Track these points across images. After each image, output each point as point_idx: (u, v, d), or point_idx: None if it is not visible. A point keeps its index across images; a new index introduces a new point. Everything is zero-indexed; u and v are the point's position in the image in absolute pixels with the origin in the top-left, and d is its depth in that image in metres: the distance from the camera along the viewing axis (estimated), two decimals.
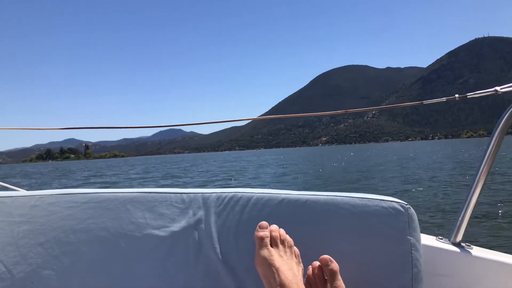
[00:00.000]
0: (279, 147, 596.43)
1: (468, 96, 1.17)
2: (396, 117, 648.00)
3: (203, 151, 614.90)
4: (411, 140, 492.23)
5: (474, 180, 1.14)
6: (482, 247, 1.20)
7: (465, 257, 1.15)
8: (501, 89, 1.08)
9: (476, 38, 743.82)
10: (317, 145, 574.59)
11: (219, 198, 1.15)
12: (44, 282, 1.09)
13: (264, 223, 0.97)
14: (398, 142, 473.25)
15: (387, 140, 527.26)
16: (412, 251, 0.98)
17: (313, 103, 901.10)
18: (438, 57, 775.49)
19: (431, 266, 1.17)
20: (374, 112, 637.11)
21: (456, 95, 1.19)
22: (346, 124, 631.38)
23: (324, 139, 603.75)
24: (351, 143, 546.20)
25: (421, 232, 1.13)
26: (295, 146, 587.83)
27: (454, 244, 1.20)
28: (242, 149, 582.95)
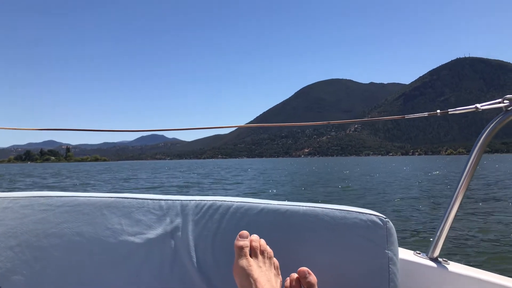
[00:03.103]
0: (262, 156, 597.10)
1: (449, 112, 1.19)
2: (377, 131, 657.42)
3: (185, 158, 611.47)
4: (391, 155, 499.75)
5: (453, 196, 1.16)
6: (459, 263, 1.21)
7: (441, 272, 1.16)
8: (481, 106, 1.11)
9: (457, 58, 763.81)
10: (299, 156, 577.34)
11: (198, 206, 1.13)
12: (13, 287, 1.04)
13: (244, 232, 0.96)
14: (379, 156, 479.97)
15: (368, 154, 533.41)
16: (390, 265, 0.98)
17: (297, 115, 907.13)
18: (421, 75, 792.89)
19: (408, 280, 1.17)
20: (356, 126, 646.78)
21: (438, 111, 1.22)
22: (329, 136, 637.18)
23: (306, 150, 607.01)
24: (332, 156, 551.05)
25: (399, 246, 1.13)
26: (278, 157, 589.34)
27: (431, 259, 1.21)
28: (225, 158, 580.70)
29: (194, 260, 1.05)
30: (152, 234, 1.09)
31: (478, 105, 1.12)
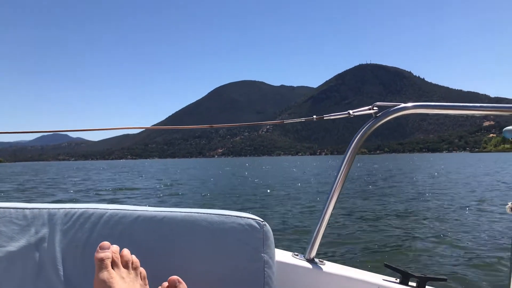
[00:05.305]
0: (174, 157, 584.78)
1: (324, 118, 1.27)
2: (288, 132, 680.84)
3: (92, 159, 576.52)
4: (301, 155, 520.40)
5: (328, 198, 1.21)
6: (335, 262, 1.27)
7: (316, 273, 1.20)
8: (353, 112, 1.22)
9: (360, 64, 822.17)
10: (213, 156, 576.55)
11: (68, 215, 1.05)
12: None
13: (105, 243, 0.88)
14: (289, 156, 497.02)
15: (279, 154, 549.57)
16: (265, 269, 0.98)
17: (210, 115, 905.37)
18: (327, 79, 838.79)
19: (284, 282, 1.18)
20: (268, 126, 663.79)
21: (314, 116, 1.29)
22: (242, 137, 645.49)
23: (220, 150, 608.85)
24: (246, 156, 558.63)
25: (281, 248, 1.19)
26: (191, 157, 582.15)
27: (308, 260, 1.25)
28: (135, 158, 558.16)
29: (61, 273, 0.97)
30: (13, 246, 0.98)
31: (351, 111, 1.21)
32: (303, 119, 1.29)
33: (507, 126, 1.09)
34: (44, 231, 1.02)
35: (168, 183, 21.77)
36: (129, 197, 15.02)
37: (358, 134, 1.19)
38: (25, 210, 1.05)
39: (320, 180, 22.40)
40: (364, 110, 1.20)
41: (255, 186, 18.42)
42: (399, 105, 1.14)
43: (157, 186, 19.86)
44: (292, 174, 30.25)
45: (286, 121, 1.36)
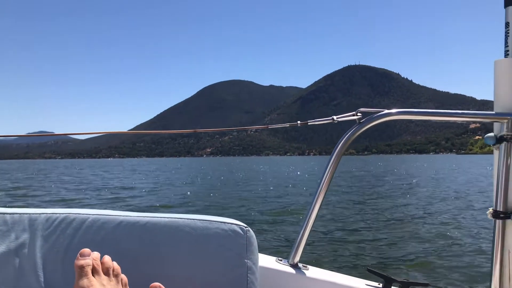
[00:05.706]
0: (162, 156, 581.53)
1: (309, 123, 1.29)
2: (276, 133, 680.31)
3: (79, 157, 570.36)
4: (289, 155, 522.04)
5: (312, 202, 1.21)
6: (320, 267, 1.27)
7: (300, 278, 1.20)
8: (337, 118, 1.23)
9: (349, 65, 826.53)
10: (201, 156, 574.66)
11: (49, 220, 1.03)
12: None
13: (86, 250, 0.86)
14: (278, 156, 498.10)
15: (268, 154, 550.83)
16: (248, 274, 0.98)
17: (199, 115, 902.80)
18: (316, 80, 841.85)
19: None
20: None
21: (298, 122, 1.30)
22: (231, 136, 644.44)
23: (209, 150, 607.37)
24: (234, 155, 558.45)
25: (265, 253, 1.20)
26: (180, 156, 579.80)
27: (292, 265, 1.24)
28: (123, 157, 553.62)
29: (42, 279, 0.95)
30: None
31: (335, 117, 1.23)
32: (287, 125, 1.31)
33: (493, 129, 1.11)
34: (25, 236, 1.00)
35: (165, 183, 21.80)
36: (128, 196, 15.04)
37: (341, 140, 1.21)
38: (5, 215, 1.03)
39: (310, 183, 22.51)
40: (348, 116, 1.21)
41: (250, 188, 18.55)
42: (383, 111, 1.16)
43: (155, 186, 19.89)
44: (287, 175, 30.31)
45: (270, 126, 1.38)
